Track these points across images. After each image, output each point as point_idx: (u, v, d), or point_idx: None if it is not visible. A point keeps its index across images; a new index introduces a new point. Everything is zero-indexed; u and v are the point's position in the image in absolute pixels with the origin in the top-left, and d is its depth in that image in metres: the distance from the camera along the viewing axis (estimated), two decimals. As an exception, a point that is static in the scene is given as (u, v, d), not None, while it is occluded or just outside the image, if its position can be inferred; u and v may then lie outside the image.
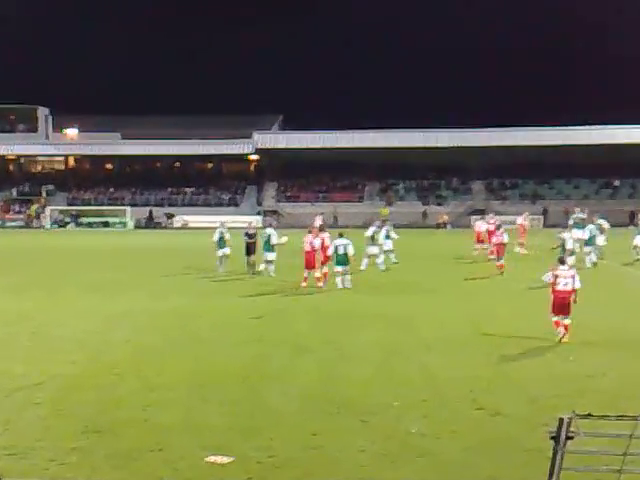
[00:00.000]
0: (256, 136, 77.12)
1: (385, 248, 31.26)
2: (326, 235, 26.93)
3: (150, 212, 73.89)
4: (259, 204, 76.01)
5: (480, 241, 35.84)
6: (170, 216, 72.84)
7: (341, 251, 24.94)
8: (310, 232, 26.37)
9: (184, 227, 71.18)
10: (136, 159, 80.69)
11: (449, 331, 17.51)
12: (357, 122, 76.56)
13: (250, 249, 29.11)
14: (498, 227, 31.13)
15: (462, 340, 16.43)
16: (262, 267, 28.25)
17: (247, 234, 29.44)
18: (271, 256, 28.03)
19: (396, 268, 30.59)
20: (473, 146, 73.91)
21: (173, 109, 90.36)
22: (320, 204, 73.84)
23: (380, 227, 31.58)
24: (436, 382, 13.01)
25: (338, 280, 25.01)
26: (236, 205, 76.30)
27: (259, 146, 76.88)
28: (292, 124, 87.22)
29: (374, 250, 30.52)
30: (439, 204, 73.99)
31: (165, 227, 71.53)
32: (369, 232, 30.66)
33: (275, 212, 72.75)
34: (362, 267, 29.54)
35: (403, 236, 33.80)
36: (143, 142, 78.36)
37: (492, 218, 36.37)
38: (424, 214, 71.04)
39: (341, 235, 25.68)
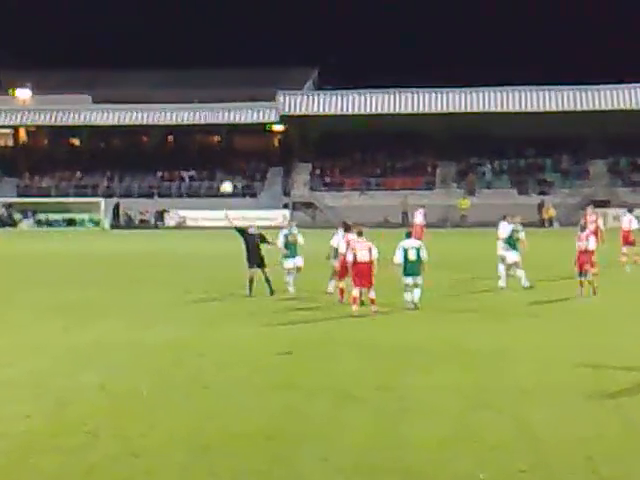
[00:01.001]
0: (282, 98, 77.37)
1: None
2: (353, 237, 25.86)
3: (116, 207, 73.96)
4: (286, 194, 76.21)
5: (628, 243, 35.76)
6: (161, 215, 73.16)
7: (412, 256, 24.90)
8: (357, 234, 25.72)
9: (180, 226, 71.73)
10: (113, 131, 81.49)
11: (556, 373, 17.40)
12: (422, 77, 76.25)
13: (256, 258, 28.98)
14: (582, 228, 29.46)
15: (575, 385, 16.31)
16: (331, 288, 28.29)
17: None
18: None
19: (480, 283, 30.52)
20: (590, 110, 73.36)
21: (164, 61, 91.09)
22: (373, 193, 73.97)
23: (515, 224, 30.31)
24: (539, 445, 12.93)
25: (407, 296, 25.18)
26: (254, 195, 76.68)
27: (286, 112, 77.18)
28: (332, 81, 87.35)
29: (514, 257, 29.75)
30: (543, 192, 73.57)
31: (156, 226, 72.13)
32: (506, 232, 30.00)
33: (310, 205, 72.84)
34: (501, 283, 29.73)
35: (492, 237, 33.64)
36: (122, 107, 79.03)
37: (592, 214, 36.28)
38: (540, 206, 70.03)
39: (409, 235, 25.72)
